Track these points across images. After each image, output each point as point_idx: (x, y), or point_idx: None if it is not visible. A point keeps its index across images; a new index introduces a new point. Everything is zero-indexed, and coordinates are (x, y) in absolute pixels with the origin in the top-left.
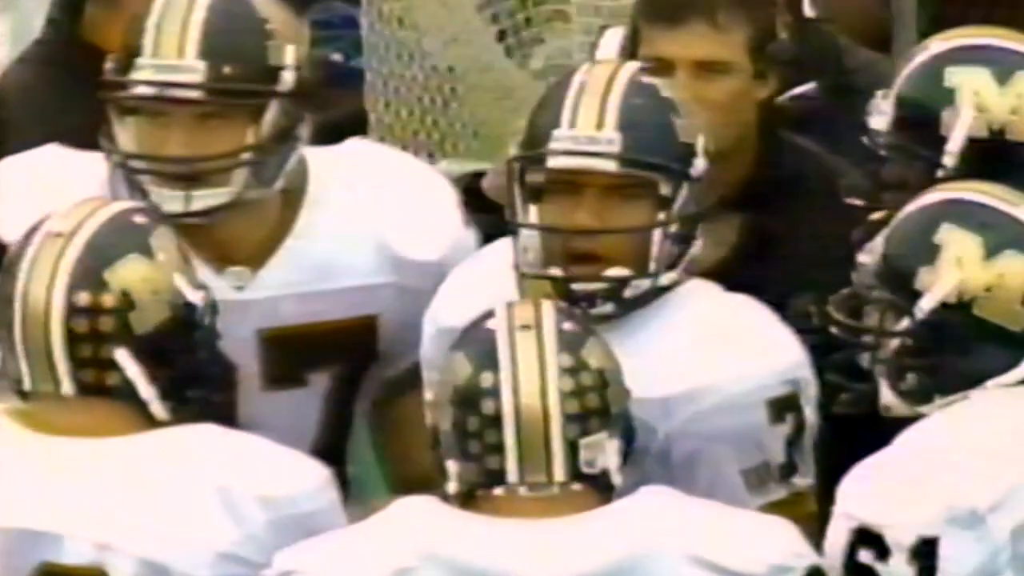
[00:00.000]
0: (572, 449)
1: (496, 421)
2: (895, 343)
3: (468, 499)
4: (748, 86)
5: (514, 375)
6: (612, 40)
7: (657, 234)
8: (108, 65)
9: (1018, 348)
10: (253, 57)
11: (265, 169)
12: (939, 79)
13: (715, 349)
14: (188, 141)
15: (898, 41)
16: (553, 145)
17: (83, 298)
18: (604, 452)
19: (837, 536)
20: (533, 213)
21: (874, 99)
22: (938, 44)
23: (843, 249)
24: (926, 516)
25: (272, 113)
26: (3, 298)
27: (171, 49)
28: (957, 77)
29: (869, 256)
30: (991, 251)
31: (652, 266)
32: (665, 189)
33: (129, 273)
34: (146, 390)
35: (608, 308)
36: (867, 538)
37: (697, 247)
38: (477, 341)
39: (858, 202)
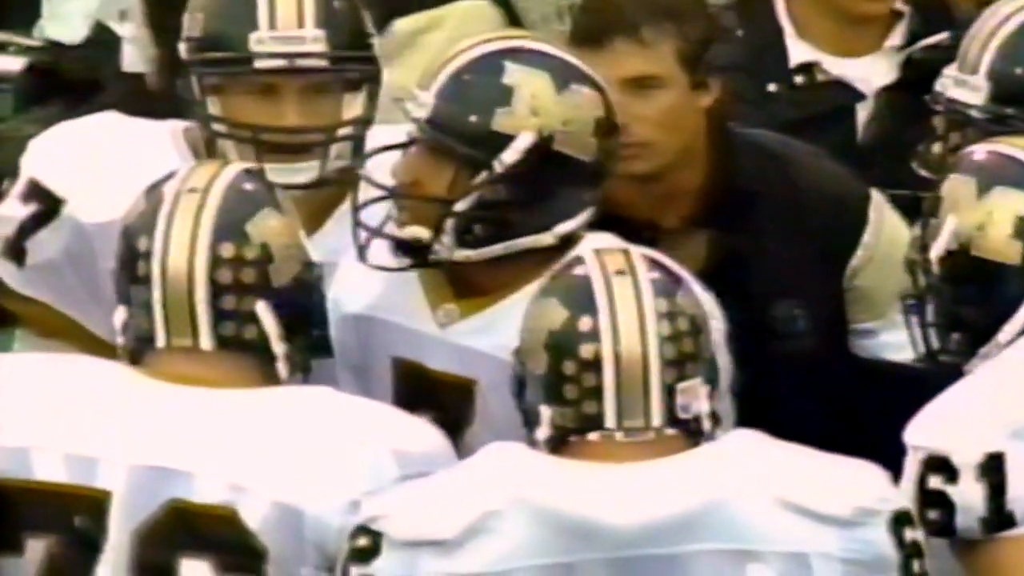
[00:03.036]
0: (669, 394)
1: (595, 365)
2: (931, 307)
3: (559, 445)
4: (686, 98)
5: (613, 319)
6: None
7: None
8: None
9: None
10: (357, 25)
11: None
12: None
13: None
14: (304, 112)
15: None
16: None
17: (227, 249)
18: (698, 397)
19: (909, 472)
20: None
21: (948, 70)
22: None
23: (814, 247)
24: (989, 434)
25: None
26: (134, 255)
27: (290, 21)
28: None
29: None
30: (982, 189)
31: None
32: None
33: (266, 226)
34: (278, 345)
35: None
36: (936, 465)
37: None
38: (570, 287)
39: (931, 175)
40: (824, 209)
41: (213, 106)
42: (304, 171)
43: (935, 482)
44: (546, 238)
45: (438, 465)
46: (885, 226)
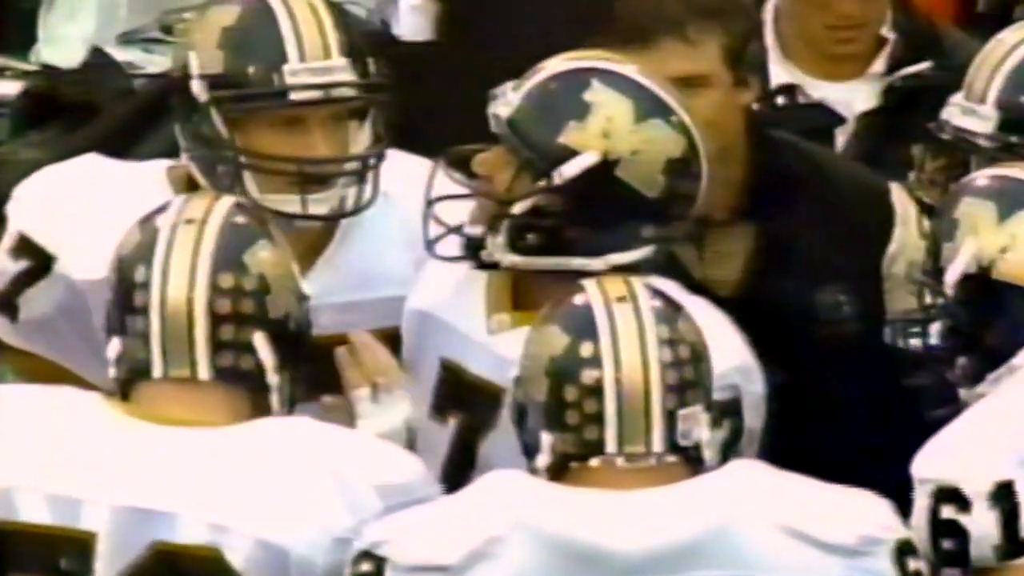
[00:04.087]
0: (670, 420)
1: (596, 391)
2: (939, 329)
3: (559, 472)
4: (729, 95)
5: (614, 345)
6: None
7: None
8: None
9: None
10: (365, 52)
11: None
12: None
13: None
14: (329, 141)
15: None
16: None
17: (226, 280)
18: (699, 424)
19: (919, 505)
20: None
21: (954, 99)
22: None
23: (851, 237)
24: (998, 462)
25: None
26: (132, 286)
27: (318, 51)
28: None
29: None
30: (1004, 213)
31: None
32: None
33: (263, 257)
34: (273, 377)
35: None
36: (947, 496)
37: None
38: (572, 314)
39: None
40: (856, 200)
41: (240, 141)
42: (326, 202)
43: (947, 512)
44: (596, 263)
45: (421, 494)
46: (910, 215)
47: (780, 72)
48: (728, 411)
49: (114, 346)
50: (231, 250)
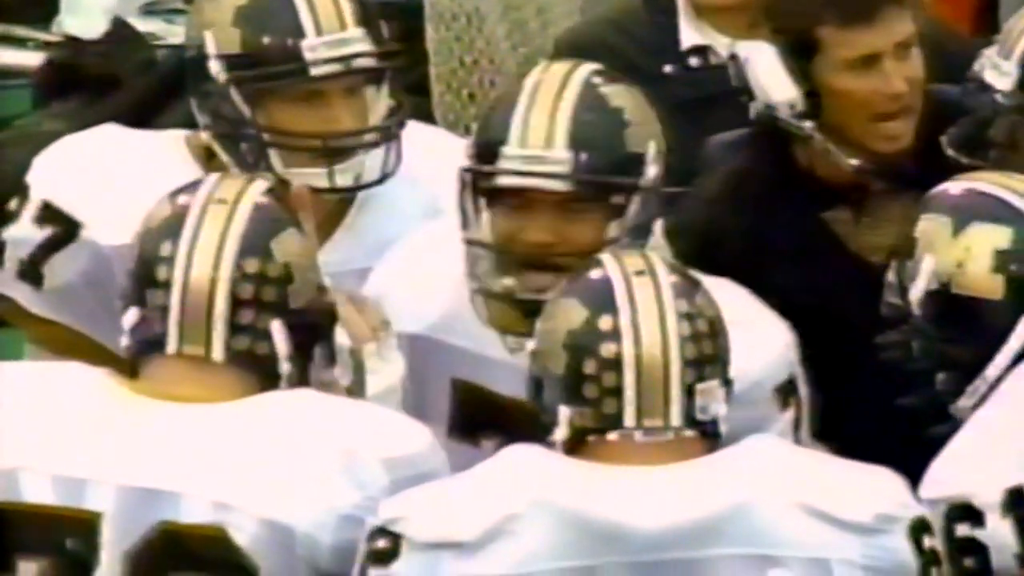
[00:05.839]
0: (688, 394)
1: (615, 364)
2: (915, 347)
3: (576, 445)
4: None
5: (634, 318)
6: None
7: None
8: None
9: (1007, 314)
10: (376, 18)
11: None
12: None
13: None
14: (351, 113)
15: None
16: (503, 163)
17: (251, 264)
18: (716, 399)
19: (934, 526)
20: (485, 219)
21: (985, 54)
22: None
23: None
24: (1005, 470)
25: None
26: (154, 259)
27: (333, 24)
28: None
29: None
30: (958, 227)
31: None
32: (617, 199)
33: (290, 246)
34: (286, 364)
35: None
36: (959, 514)
37: None
38: (590, 287)
39: (961, 157)
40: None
41: (261, 118)
42: (349, 172)
43: (962, 530)
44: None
45: (428, 465)
46: None
47: (688, 34)
48: (791, 390)
49: (130, 316)
50: (259, 235)
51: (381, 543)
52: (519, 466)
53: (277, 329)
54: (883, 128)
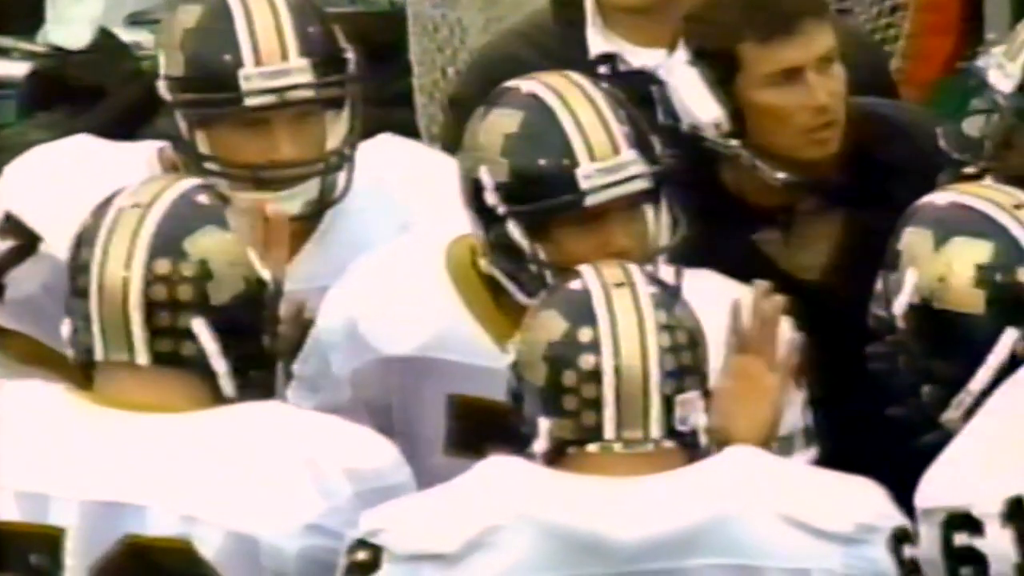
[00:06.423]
0: (668, 406)
1: (595, 376)
2: (900, 360)
3: (556, 457)
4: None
5: (613, 330)
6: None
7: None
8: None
9: (989, 329)
10: (333, 44)
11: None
12: None
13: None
14: (296, 140)
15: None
16: (586, 184)
17: (162, 266)
18: (696, 410)
19: (929, 536)
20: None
21: (989, 52)
22: None
23: None
24: (1004, 480)
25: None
26: (78, 268)
27: (274, 54)
28: None
29: None
30: (939, 241)
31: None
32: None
33: (207, 243)
34: (218, 362)
35: None
36: (957, 523)
37: None
38: (570, 299)
39: (958, 156)
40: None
41: (202, 143)
42: (298, 197)
43: (960, 539)
44: None
45: (394, 478)
46: None
47: (596, 42)
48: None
49: (66, 327)
50: (171, 235)
51: (361, 555)
52: (500, 478)
53: (200, 327)
54: (810, 136)
